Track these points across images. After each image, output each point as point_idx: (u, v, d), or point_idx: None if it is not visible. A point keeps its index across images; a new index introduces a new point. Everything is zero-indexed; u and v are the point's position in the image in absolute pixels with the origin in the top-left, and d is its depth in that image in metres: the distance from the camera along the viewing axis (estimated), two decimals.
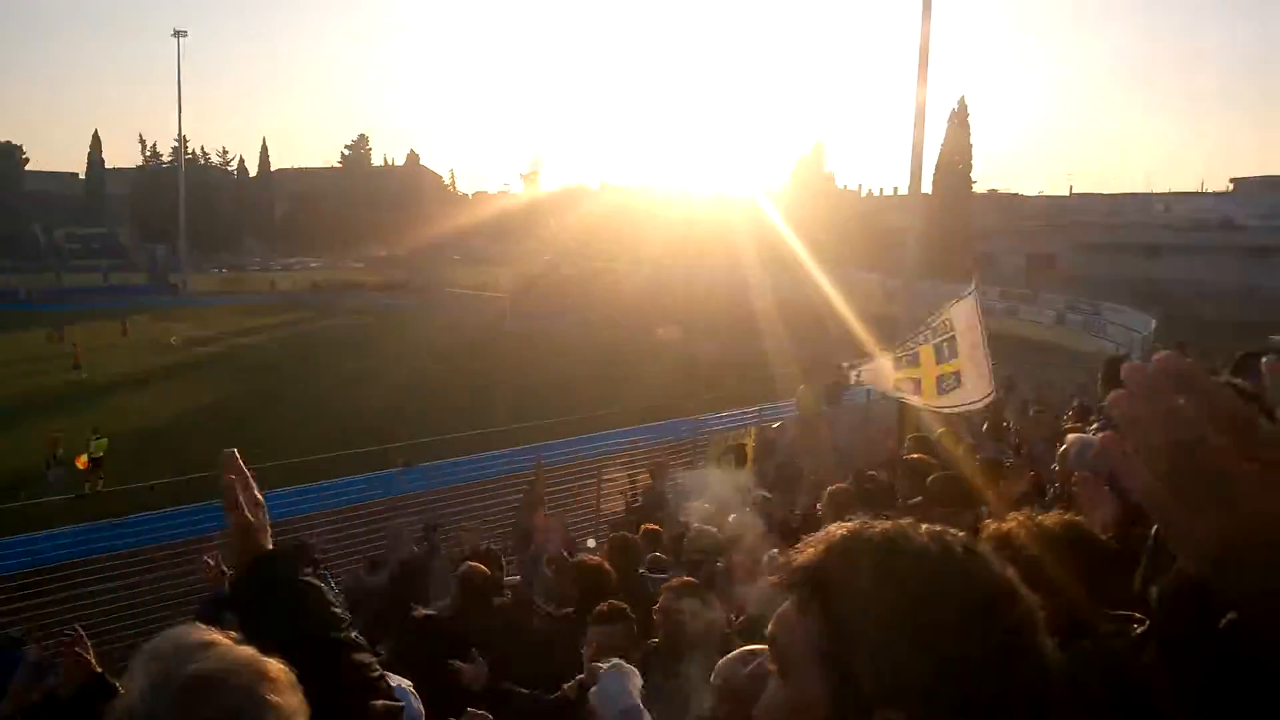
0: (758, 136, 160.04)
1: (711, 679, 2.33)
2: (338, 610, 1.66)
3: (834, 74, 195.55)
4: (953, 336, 11.15)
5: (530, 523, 4.97)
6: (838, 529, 0.85)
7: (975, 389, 11.24)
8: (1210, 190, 67.45)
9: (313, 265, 78.22)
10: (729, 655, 2.38)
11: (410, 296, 61.10)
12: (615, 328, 43.47)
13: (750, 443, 18.62)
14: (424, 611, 4.74)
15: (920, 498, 4.07)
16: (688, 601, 3.58)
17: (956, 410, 10.91)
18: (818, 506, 5.80)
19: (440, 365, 32.21)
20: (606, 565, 4.57)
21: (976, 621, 0.76)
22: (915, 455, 5.47)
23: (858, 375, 11.04)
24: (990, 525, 1.98)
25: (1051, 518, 1.97)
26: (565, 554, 5.51)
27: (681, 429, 19.02)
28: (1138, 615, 1.71)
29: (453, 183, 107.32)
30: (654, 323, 43.61)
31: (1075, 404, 9.96)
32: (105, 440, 19.54)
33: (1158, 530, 2.60)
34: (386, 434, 20.64)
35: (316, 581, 1.70)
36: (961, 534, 0.83)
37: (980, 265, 59.18)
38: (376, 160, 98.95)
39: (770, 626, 0.86)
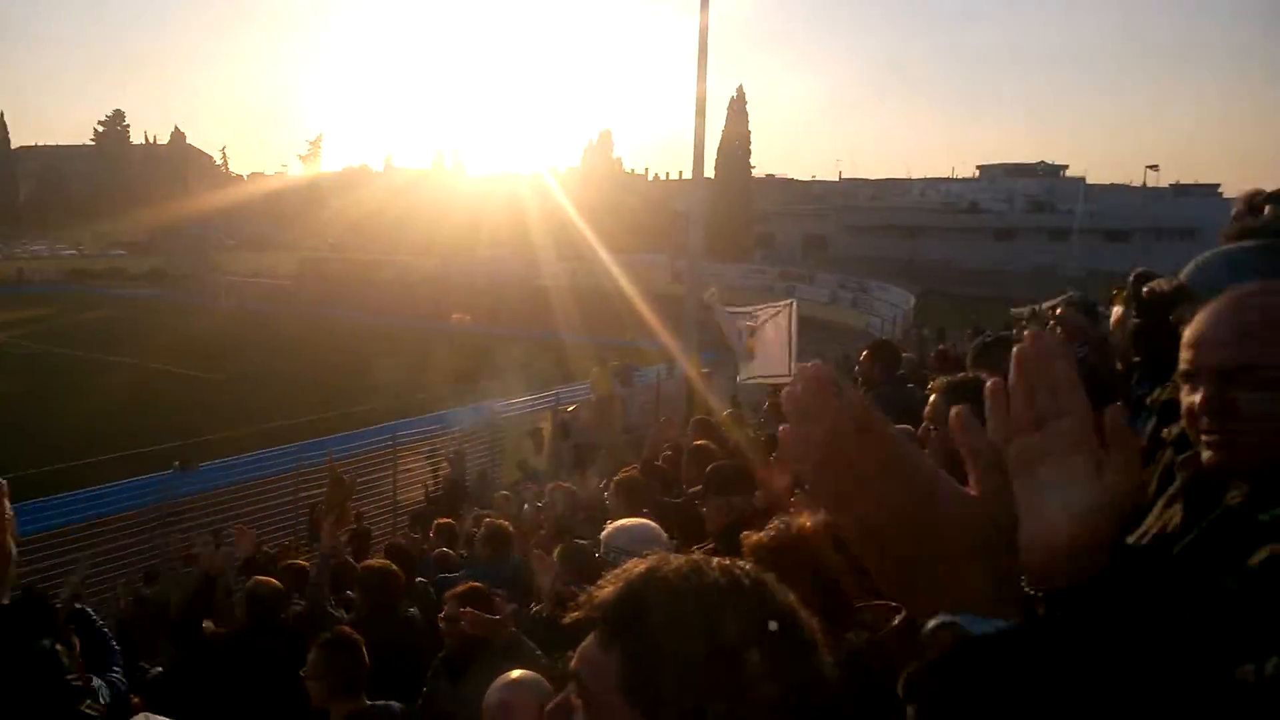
0: (547, 120, 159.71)
1: (484, 706, 2.32)
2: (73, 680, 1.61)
3: (620, 61, 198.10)
4: (756, 314, 11.94)
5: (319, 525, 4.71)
6: (636, 565, 0.88)
7: (770, 366, 12.06)
8: (960, 176, 73.97)
9: (65, 252, 70.99)
10: (494, 683, 2.39)
11: (179, 284, 56.93)
12: (405, 314, 42.49)
13: (546, 425, 18.86)
14: (211, 629, 4.58)
15: (700, 485, 4.13)
16: (473, 609, 3.42)
17: (757, 380, 11.71)
18: (606, 494, 5.98)
19: (215, 356, 30.35)
20: (394, 567, 4.40)
21: (769, 650, 0.81)
22: (699, 441, 5.73)
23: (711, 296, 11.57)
24: (750, 538, 2.04)
25: (804, 520, 2.02)
26: (350, 558, 5.34)
27: (478, 414, 18.95)
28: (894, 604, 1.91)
29: (225, 163, 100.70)
30: (446, 308, 42.92)
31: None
32: None
33: None
34: (160, 433, 19.30)
35: (52, 649, 1.64)
36: (749, 566, 0.89)
37: (763, 246, 62.20)
38: (136, 138, 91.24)
39: (574, 661, 0.89)
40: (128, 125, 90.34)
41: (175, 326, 38.82)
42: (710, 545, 3.58)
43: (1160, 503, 1.61)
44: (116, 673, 3.20)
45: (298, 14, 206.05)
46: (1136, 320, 3.78)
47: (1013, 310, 30.50)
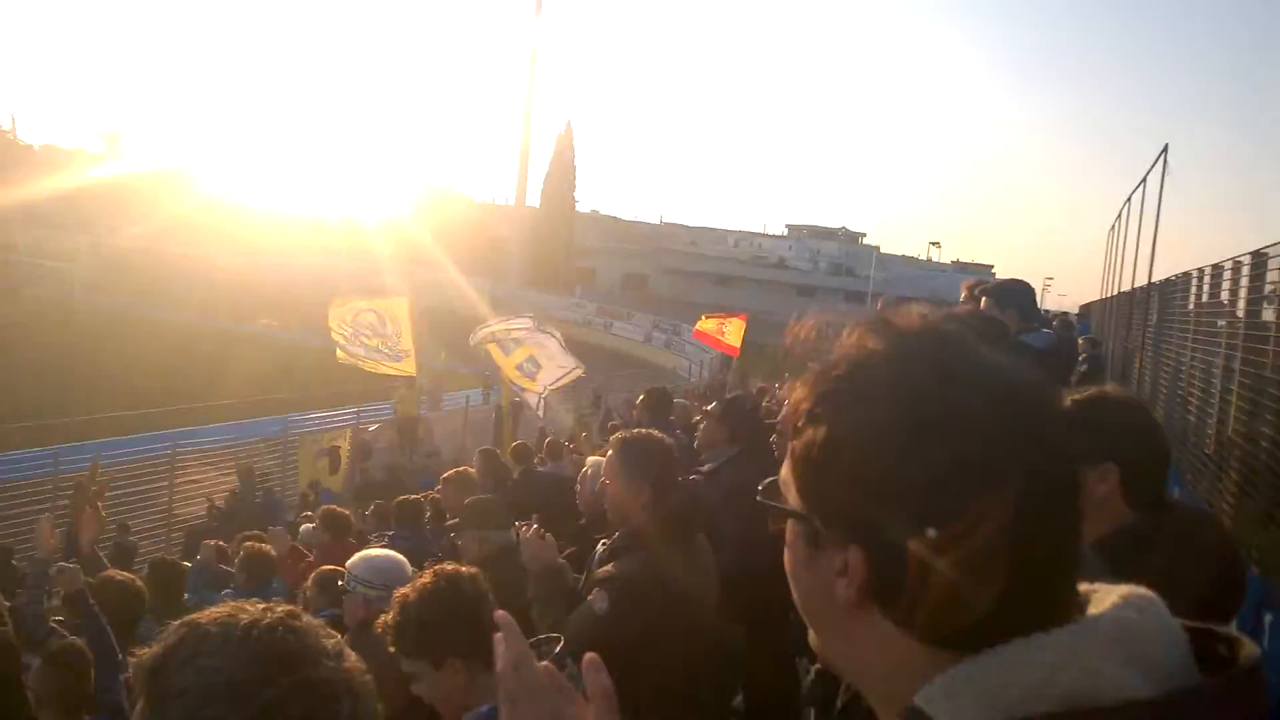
0: (368, 131, 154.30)
1: None
2: None
3: (448, 79, 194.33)
4: (517, 338, 12.44)
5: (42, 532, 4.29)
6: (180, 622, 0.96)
7: (559, 367, 12.53)
8: (771, 233, 77.83)
9: None
10: None
11: None
12: (209, 314, 40.17)
13: (345, 445, 18.40)
14: None
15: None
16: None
17: (557, 384, 12.10)
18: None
19: None
20: (137, 584, 4.25)
21: (290, 687, 0.88)
22: (461, 469, 5.91)
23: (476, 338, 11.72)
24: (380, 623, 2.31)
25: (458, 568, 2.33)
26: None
27: (271, 427, 18.24)
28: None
29: (13, 130, 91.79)
30: (252, 311, 40.95)
31: (611, 424, 10.72)
32: None
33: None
34: None
35: None
36: (285, 609, 0.96)
37: (584, 280, 62.94)
38: None
39: None
40: None
41: None
42: None
43: None
44: None
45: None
46: None
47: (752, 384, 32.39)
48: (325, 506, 7.37)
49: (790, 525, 0.77)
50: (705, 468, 4.18)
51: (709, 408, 4.47)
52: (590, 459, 4.54)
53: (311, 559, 6.08)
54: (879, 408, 0.69)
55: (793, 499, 0.76)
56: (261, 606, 0.94)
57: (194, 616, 0.93)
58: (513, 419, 20.91)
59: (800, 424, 0.75)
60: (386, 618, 2.22)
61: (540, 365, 12.60)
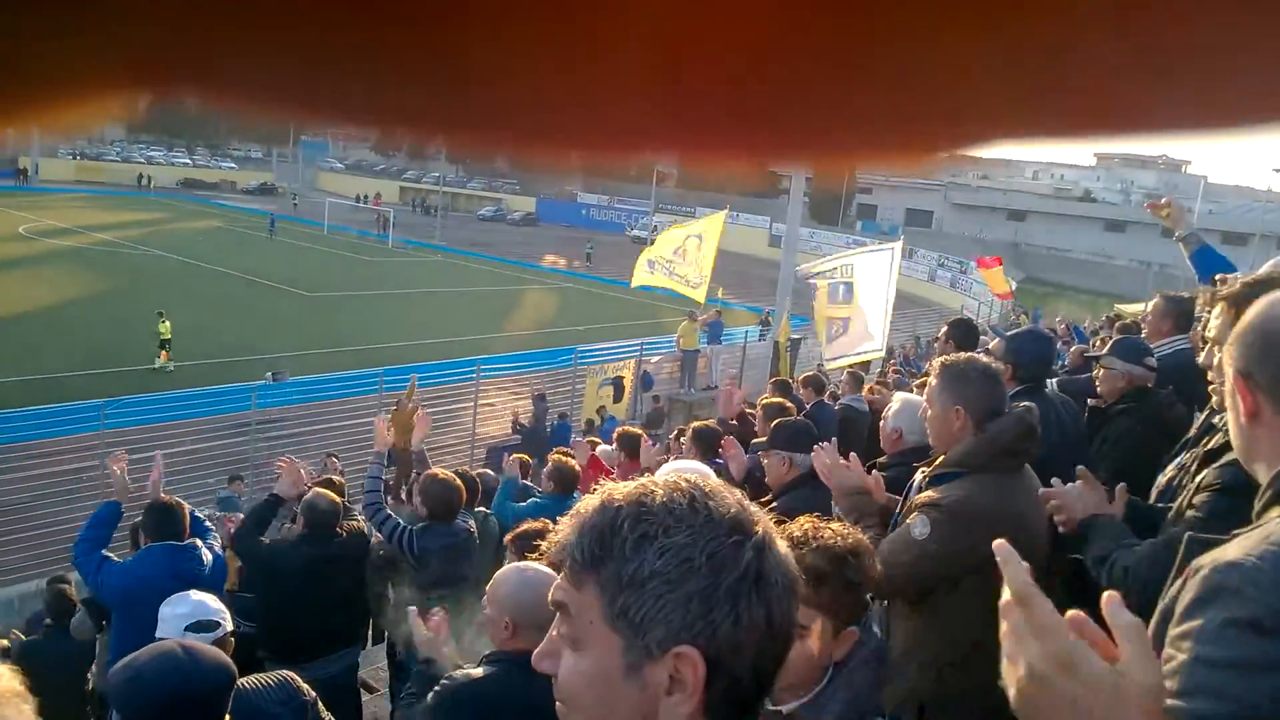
0: None
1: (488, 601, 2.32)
2: None
3: None
4: (850, 284, 11.74)
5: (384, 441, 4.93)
6: (587, 501, 0.90)
7: (860, 342, 11.78)
8: (1075, 163, 71.06)
9: (179, 160, 73.36)
10: (503, 572, 2.41)
11: (284, 202, 58.52)
12: (498, 253, 42.89)
13: (629, 375, 18.89)
14: (278, 539, 4.77)
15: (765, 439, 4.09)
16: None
17: (842, 362, 11.36)
18: (681, 441, 5.93)
19: (314, 277, 31.20)
20: (456, 480, 4.43)
21: (728, 552, 0.83)
22: (774, 399, 5.62)
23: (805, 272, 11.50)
24: (812, 541, 1.95)
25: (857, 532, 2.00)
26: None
27: (561, 358, 19.07)
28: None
29: None
30: (539, 250, 43.29)
31: (894, 362, 10.23)
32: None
33: None
34: (255, 345, 19.97)
35: None
36: (694, 477, 0.90)
37: (865, 216, 60.89)
38: None
39: (551, 606, 0.90)
40: None
41: (277, 243, 40.00)
42: (769, 499, 3.57)
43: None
44: (213, 543, 4.14)
45: None
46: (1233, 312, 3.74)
47: (1117, 307, 29.35)
48: (620, 427, 7.45)
49: None
50: None
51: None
52: (897, 395, 4.06)
53: (613, 475, 6.12)
54: None
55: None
56: (669, 479, 0.88)
57: (612, 499, 0.87)
58: (790, 355, 20.54)
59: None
60: None
61: (846, 332, 11.91)
